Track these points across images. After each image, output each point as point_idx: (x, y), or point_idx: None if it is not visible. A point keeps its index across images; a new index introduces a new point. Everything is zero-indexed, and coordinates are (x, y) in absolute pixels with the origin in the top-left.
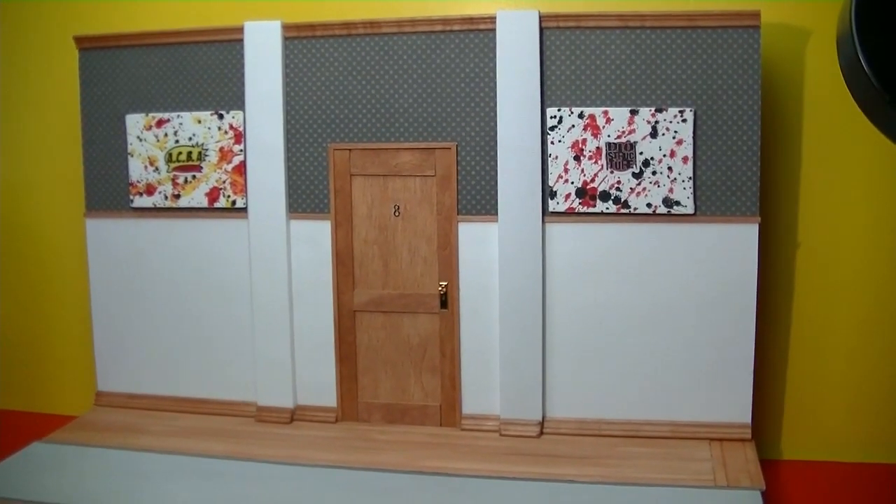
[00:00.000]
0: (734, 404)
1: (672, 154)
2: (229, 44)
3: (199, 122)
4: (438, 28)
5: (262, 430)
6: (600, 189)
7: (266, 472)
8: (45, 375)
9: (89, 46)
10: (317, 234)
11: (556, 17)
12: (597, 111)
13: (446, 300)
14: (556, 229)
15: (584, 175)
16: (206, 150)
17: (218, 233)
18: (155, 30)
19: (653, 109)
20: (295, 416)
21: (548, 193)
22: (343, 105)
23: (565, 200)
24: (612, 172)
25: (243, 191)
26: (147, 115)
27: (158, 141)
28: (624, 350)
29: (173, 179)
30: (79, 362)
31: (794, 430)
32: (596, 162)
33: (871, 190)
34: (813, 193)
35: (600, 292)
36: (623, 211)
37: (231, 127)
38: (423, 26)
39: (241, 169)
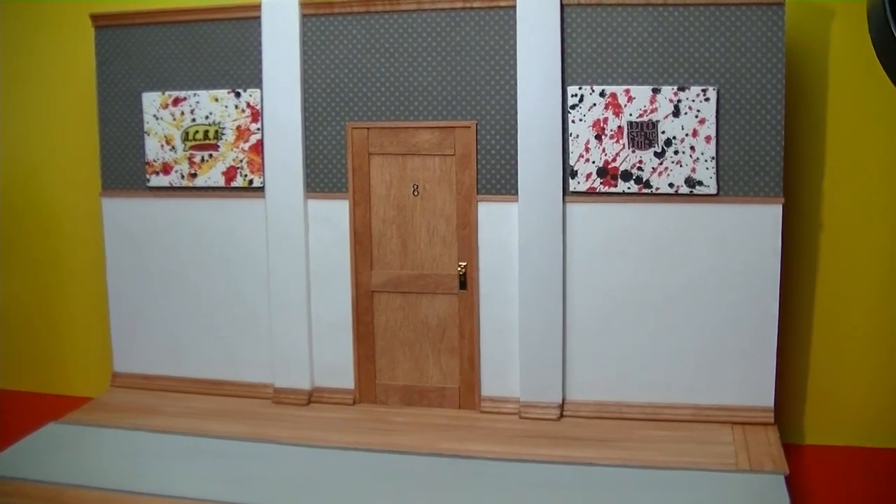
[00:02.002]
0: (757, 388)
1: (694, 133)
2: (247, 21)
3: (216, 100)
4: (458, 5)
5: (279, 412)
6: (622, 169)
7: (283, 453)
8: (61, 357)
9: (105, 24)
10: (334, 214)
11: None
12: (618, 89)
13: (465, 281)
14: (577, 209)
15: (606, 154)
16: (223, 128)
17: (235, 212)
18: (172, 7)
19: (675, 88)
20: (312, 397)
21: (568, 173)
22: (361, 83)
23: (586, 180)
24: (633, 152)
25: (260, 170)
26: (163, 93)
27: (175, 119)
28: (645, 332)
29: (190, 158)
30: (95, 343)
31: (817, 415)
32: (617, 141)
33: None
34: (837, 174)
35: (621, 273)
36: (645, 191)
37: (248, 105)
38: (442, 3)
39: (259, 148)
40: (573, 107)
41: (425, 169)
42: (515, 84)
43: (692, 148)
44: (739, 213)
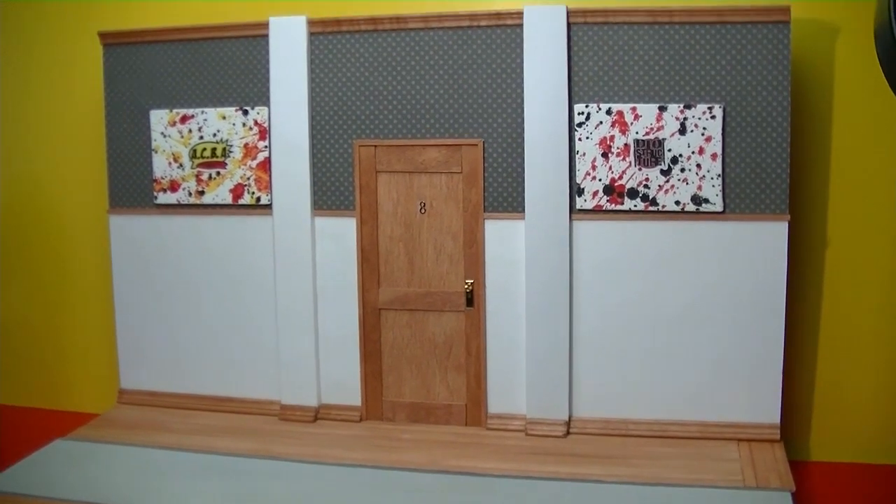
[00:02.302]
0: (763, 404)
1: (701, 151)
2: (254, 39)
3: (224, 118)
4: (465, 23)
5: (286, 429)
6: (628, 186)
7: (290, 470)
8: (68, 373)
9: (114, 42)
10: (342, 231)
11: (584, 12)
12: (625, 107)
13: (472, 298)
14: (584, 227)
15: (612, 172)
16: (231, 146)
17: (242, 230)
18: (180, 25)
19: (681, 106)
20: (319, 414)
21: (575, 191)
22: (368, 101)
23: (593, 198)
24: (640, 169)
25: (268, 187)
26: (171, 110)
27: (182, 137)
28: (651, 349)
29: (197, 176)
30: (101, 360)
31: (824, 431)
32: (624, 159)
33: None
34: (843, 191)
35: (628, 291)
36: (651, 208)
37: (256, 123)
38: (449, 21)
39: (266, 165)
40: (580, 124)
41: (432, 186)
42: (522, 102)
43: (698, 165)
44: (745, 230)
